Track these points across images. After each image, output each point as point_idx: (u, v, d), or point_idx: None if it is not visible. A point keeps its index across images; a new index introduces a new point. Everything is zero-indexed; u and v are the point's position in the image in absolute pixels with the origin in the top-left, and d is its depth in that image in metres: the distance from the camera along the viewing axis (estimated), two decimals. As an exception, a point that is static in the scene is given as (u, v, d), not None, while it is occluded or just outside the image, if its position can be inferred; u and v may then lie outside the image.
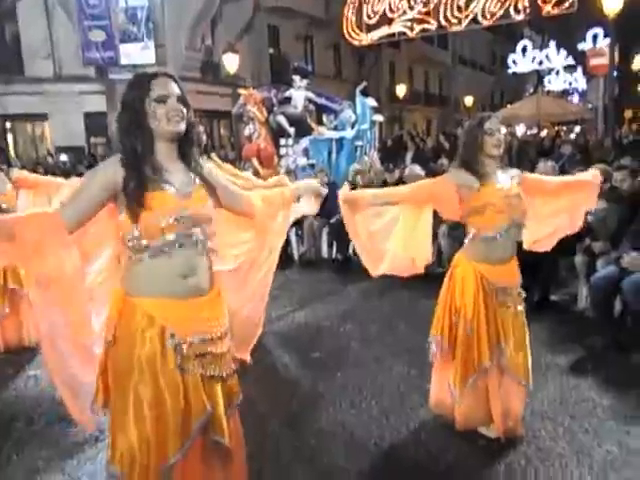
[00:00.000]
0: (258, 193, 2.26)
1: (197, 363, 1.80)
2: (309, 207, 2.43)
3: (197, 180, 1.86)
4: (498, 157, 2.64)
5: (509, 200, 2.60)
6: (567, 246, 4.41)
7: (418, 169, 6.97)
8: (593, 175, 3.00)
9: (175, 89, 1.80)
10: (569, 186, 3.00)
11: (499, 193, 2.60)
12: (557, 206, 2.96)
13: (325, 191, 2.39)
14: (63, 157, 14.58)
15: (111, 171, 1.74)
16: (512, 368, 2.72)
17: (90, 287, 1.90)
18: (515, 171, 2.80)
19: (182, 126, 1.79)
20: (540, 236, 2.99)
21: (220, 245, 2.10)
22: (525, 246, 2.94)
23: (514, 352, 2.71)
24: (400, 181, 6.97)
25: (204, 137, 5.92)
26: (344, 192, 2.77)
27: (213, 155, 6.39)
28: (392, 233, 2.82)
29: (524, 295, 2.85)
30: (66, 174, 9.78)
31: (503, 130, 2.65)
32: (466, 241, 2.78)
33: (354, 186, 7.56)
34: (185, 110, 1.80)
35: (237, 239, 2.23)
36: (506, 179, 2.68)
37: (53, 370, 1.82)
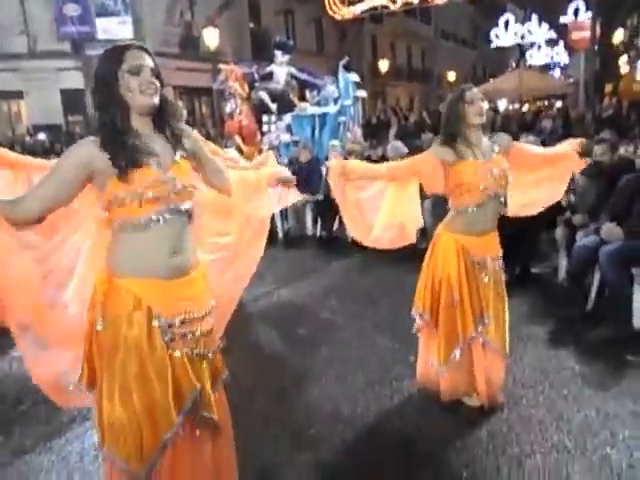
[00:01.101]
0: (235, 173, 2.24)
1: (183, 342, 1.81)
2: (294, 197, 2.47)
3: (179, 152, 1.83)
4: (481, 126, 2.68)
5: (485, 174, 2.63)
6: (548, 219, 4.49)
7: (400, 145, 6.99)
8: (570, 143, 3.05)
9: (149, 61, 1.75)
10: (551, 157, 3.04)
11: (474, 168, 2.63)
12: (540, 175, 3.02)
13: (293, 178, 2.38)
14: (41, 136, 14.27)
15: (85, 153, 1.70)
16: (493, 338, 2.78)
17: (73, 262, 1.88)
18: (504, 137, 2.83)
19: (155, 99, 1.75)
20: (525, 202, 3.04)
21: (205, 233, 2.11)
22: (510, 213, 2.97)
23: (493, 323, 2.77)
24: (384, 158, 6.98)
25: (184, 112, 5.82)
26: (335, 161, 2.80)
27: (195, 132, 6.33)
28: (380, 205, 2.85)
29: (504, 267, 2.90)
30: (46, 153, 9.60)
31: (486, 105, 2.67)
32: (449, 213, 2.83)
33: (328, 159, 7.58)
34: (158, 83, 1.76)
35: (221, 227, 2.21)
36: (489, 150, 2.71)
37: (26, 357, 1.85)
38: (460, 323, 2.73)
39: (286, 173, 2.36)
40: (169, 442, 1.77)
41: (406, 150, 6.90)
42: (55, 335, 1.87)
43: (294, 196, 2.47)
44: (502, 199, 2.72)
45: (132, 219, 1.72)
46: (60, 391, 1.92)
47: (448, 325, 2.76)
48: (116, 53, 1.73)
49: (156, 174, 1.73)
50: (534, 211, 3.10)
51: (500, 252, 2.86)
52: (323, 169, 7.74)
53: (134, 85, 1.71)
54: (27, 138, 14.41)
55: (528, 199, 3.04)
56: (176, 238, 1.79)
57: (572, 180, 3.89)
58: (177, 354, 1.79)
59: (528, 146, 3.10)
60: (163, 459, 1.78)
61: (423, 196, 2.97)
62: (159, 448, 1.75)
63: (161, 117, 1.82)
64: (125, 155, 1.69)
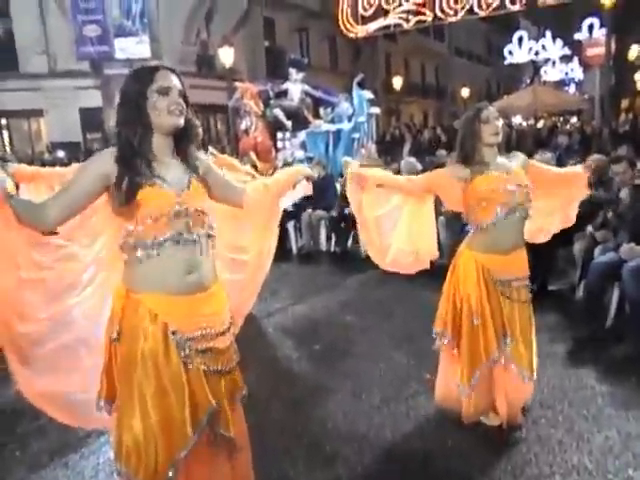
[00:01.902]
0: (257, 181, 2.24)
1: (200, 359, 1.80)
2: (304, 190, 2.37)
3: (193, 175, 1.84)
4: (496, 145, 2.65)
5: (504, 187, 2.57)
6: (565, 236, 4.44)
7: (414, 161, 7.00)
8: (583, 167, 3.01)
9: (177, 83, 1.80)
10: (562, 179, 3.00)
11: (492, 181, 2.58)
12: (551, 204, 2.99)
13: (316, 174, 2.34)
14: (60, 153, 14.51)
15: (104, 163, 1.73)
16: (516, 360, 2.69)
17: (90, 279, 1.90)
18: (519, 155, 2.80)
19: (181, 120, 1.78)
20: (538, 228, 3.01)
21: (223, 249, 2.11)
22: (525, 237, 2.95)
23: (518, 344, 2.69)
24: (398, 174, 6.99)
25: (201, 131, 5.86)
26: (353, 169, 2.71)
27: (211, 148, 6.39)
28: (397, 224, 2.79)
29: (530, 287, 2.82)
30: (63, 170, 9.72)
31: (500, 122, 2.65)
32: (469, 233, 2.80)
33: (342, 176, 7.59)
34: (185, 105, 1.80)
35: (241, 241, 2.21)
36: (508, 164, 2.67)
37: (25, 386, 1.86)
38: (482, 344, 2.66)
39: (306, 170, 2.31)
40: (183, 460, 1.75)
41: (420, 167, 6.91)
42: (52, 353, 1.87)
43: (305, 188, 2.37)
44: (525, 213, 2.65)
45: (144, 240, 1.73)
46: (62, 407, 1.93)
47: (471, 346, 2.69)
48: (146, 73, 1.77)
49: (167, 196, 1.74)
50: (546, 238, 3.07)
51: (527, 272, 2.77)
52: (337, 185, 7.78)
53: (162, 105, 1.74)
54: (46, 155, 14.65)
55: (541, 225, 3.01)
56: (191, 258, 1.78)
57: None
58: (194, 370, 1.78)
59: (542, 165, 3.07)
60: (179, 477, 1.76)
61: (438, 212, 2.95)
62: (173, 465, 1.73)
63: (182, 139, 1.85)
64: (131, 178, 1.70)
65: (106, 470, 2.66)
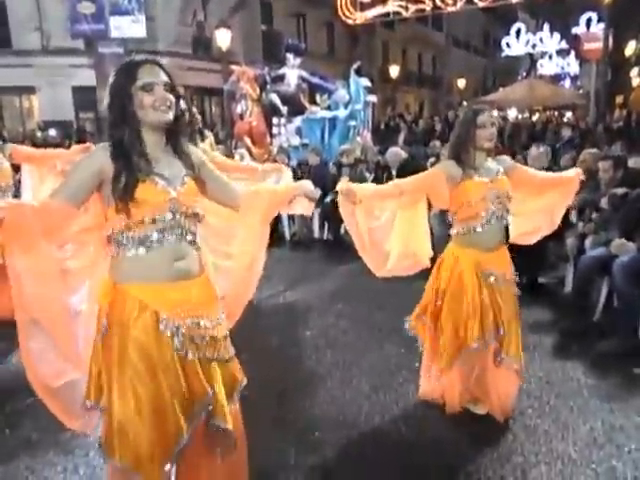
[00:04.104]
0: (254, 187, 2.18)
1: (193, 346, 1.78)
2: (304, 209, 2.30)
3: (187, 172, 1.83)
4: (489, 148, 2.70)
5: (491, 196, 2.65)
6: (556, 230, 4.47)
7: (399, 151, 7.10)
8: (576, 173, 3.06)
9: (162, 77, 1.75)
10: (553, 182, 3.04)
11: (479, 188, 2.65)
12: (538, 204, 3.04)
13: (318, 194, 2.24)
14: (52, 132, 14.34)
15: (99, 158, 1.72)
16: (508, 352, 2.74)
17: (77, 277, 1.85)
18: (507, 160, 2.86)
19: (169, 115, 1.75)
20: (522, 231, 3.07)
21: (212, 239, 2.10)
22: (510, 239, 3.01)
23: (510, 336, 2.75)
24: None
25: (198, 117, 5.80)
26: (343, 185, 2.66)
27: (208, 134, 6.33)
28: (391, 232, 2.81)
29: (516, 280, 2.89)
30: (56, 148, 9.61)
31: (495, 113, 2.68)
32: (453, 231, 2.85)
33: (339, 164, 7.62)
34: (173, 99, 1.76)
35: (229, 235, 2.15)
36: (494, 170, 2.73)
37: (30, 368, 1.81)
38: (463, 333, 2.71)
39: (310, 187, 2.18)
40: (179, 453, 1.73)
41: (405, 155, 6.94)
42: (63, 337, 1.81)
43: (305, 208, 2.30)
44: (505, 221, 2.76)
45: (135, 234, 1.73)
46: (63, 401, 1.86)
47: (452, 336, 2.74)
48: (129, 70, 1.74)
49: (163, 193, 1.73)
50: (534, 240, 3.11)
51: (511, 266, 2.85)
52: (338, 187, 7.76)
53: (148, 102, 1.72)
54: (38, 133, 14.48)
55: (529, 227, 3.08)
56: (178, 247, 1.79)
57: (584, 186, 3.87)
58: (189, 357, 1.77)
59: (529, 169, 3.10)
60: (176, 469, 1.75)
61: (430, 205, 2.97)
62: (169, 457, 1.72)
63: (175, 133, 1.83)
64: (129, 174, 1.69)
65: (96, 449, 2.67)
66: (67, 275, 1.80)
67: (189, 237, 1.81)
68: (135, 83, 1.72)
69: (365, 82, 9.40)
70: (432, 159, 6.89)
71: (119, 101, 1.73)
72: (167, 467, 1.72)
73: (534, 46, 25.38)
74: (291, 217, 7.51)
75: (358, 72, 9.35)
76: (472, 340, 2.70)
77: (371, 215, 2.77)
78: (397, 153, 6.95)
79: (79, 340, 1.83)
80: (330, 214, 7.06)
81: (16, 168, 4.42)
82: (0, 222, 1.53)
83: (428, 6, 15.43)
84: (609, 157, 4.86)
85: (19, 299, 1.71)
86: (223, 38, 13.93)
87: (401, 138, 12.72)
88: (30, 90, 16.93)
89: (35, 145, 10.97)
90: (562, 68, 28.74)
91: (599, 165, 4.72)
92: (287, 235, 7.51)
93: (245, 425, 2.06)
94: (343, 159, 7.58)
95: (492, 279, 2.73)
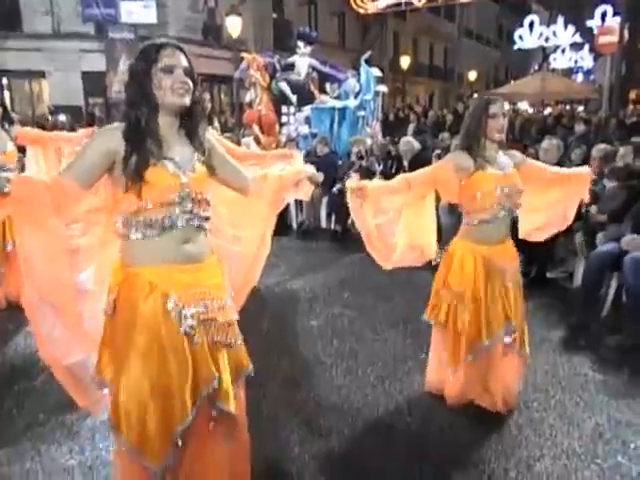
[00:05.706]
0: (260, 173, 2.24)
1: (202, 329, 1.79)
2: (304, 193, 2.43)
3: (198, 157, 1.83)
4: (499, 140, 2.66)
5: (501, 186, 2.63)
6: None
7: (413, 140, 7.02)
8: (587, 172, 3.05)
9: (183, 61, 1.75)
10: (563, 178, 3.01)
11: (492, 179, 2.62)
12: (549, 199, 3.01)
13: (321, 178, 2.35)
14: (62, 117, 14.35)
15: (111, 138, 1.71)
16: (517, 344, 2.75)
17: (86, 256, 1.86)
18: (517, 154, 2.83)
19: (187, 99, 1.75)
20: (532, 227, 3.06)
21: (221, 222, 2.12)
22: (521, 236, 2.99)
23: (518, 329, 2.75)
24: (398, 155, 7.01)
25: (208, 105, 5.78)
26: (352, 182, 2.70)
27: (215, 124, 6.31)
28: (398, 225, 2.82)
29: (522, 273, 2.88)
30: (65, 133, 9.61)
31: (507, 106, 2.65)
32: (462, 224, 2.83)
33: (348, 155, 7.61)
34: (191, 84, 1.76)
35: (238, 220, 2.22)
36: (505, 163, 2.70)
37: (46, 351, 1.83)
38: (475, 331, 2.71)
39: (313, 171, 2.33)
40: (182, 434, 1.75)
41: (419, 146, 6.89)
42: (70, 317, 1.83)
43: (305, 193, 2.45)
44: (514, 211, 2.74)
45: (146, 217, 1.73)
46: (74, 378, 1.88)
47: (462, 332, 2.73)
48: (151, 51, 1.73)
49: (173, 177, 1.73)
50: (545, 236, 3.10)
51: (517, 260, 2.84)
52: (340, 162, 7.74)
53: (167, 84, 1.72)
54: (48, 117, 14.50)
55: (539, 222, 3.05)
56: (188, 232, 1.80)
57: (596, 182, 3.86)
58: (197, 339, 1.77)
59: (540, 164, 3.07)
60: (178, 454, 1.77)
61: (439, 197, 2.95)
62: (173, 438, 1.73)
63: (189, 118, 1.82)
64: (140, 154, 1.69)
65: (102, 431, 2.69)
66: (76, 254, 1.81)
67: (198, 222, 1.82)
68: (156, 64, 1.72)
69: (376, 72, 9.31)
70: (437, 151, 6.79)
71: (138, 81, 1.73)
72: (171, 448, 1.74)
73: (547, 39, 25.06)
74: (299, 206, 7.50)
75: (368, 62, 9.26)
76: (485, 337, 2.70)
77: (379, 210, 2.78)
78: (410, 142, 6.90)
79: (85, 320, 1.84)
80: (338, 204, 7.05)
81: (22, 150, 4.42)
82: (9, 196, 1.55)
83: (441, -4, 15.28)
84: (630, 143, 4.79)
85: (29, 278, 1.73)
86: (234, 25, 13.83)
87: (410, 130, 12.63)
88: (40, 74, 16.89)
89: (44, 129, 11.01)
90: (575, 62, 28.43)
91: (620, 149, 4.65)
92: (294, 224, 7.50)
93: (251, 411, 2.07)
94: (354, 149, 7.56)
95: (500, 273, 2.72)
